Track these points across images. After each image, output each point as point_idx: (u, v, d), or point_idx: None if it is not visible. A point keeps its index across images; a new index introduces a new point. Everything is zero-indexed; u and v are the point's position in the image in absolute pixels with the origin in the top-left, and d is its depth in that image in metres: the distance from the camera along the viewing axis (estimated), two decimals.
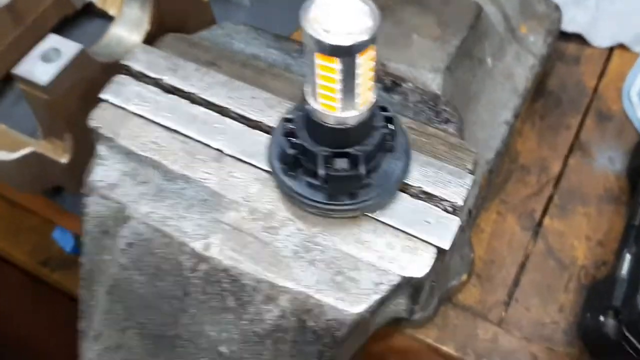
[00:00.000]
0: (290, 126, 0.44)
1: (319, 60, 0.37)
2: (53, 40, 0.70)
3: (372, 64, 0.38)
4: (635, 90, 0.89)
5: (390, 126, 0.44)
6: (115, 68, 0.75)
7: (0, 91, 0.88)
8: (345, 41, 0.36)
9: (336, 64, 0.37)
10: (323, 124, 0.41)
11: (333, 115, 0.41)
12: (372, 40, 0.36)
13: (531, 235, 0.79)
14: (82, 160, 0.77)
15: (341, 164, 0.42)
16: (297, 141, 0.43)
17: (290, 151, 0.43)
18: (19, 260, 1.48)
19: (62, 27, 0.92)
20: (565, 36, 0.92)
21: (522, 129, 0.86)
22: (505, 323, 0.73)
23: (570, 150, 0.85)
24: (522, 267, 0.77)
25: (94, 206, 0.47)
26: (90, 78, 0.73)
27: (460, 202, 0.46)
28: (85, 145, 0.76)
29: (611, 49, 0.93)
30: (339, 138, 0.42)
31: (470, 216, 0.69)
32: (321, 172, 0.42)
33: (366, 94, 0.40)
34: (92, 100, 0.75)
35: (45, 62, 0.69)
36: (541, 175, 0.83)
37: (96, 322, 0.48)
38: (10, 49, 0.86)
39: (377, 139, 0.44)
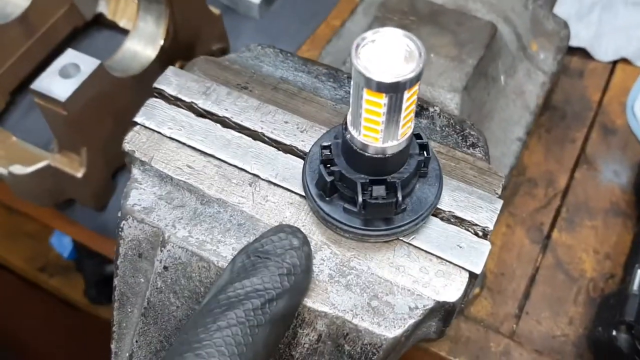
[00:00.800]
0: (327, 153, 0.45)
1: (367, 95, 0.38)
2: (71, 55, 0.70)
3: (416, 97, 0.39)
4: (639, 105, 0.90)
5: (425, 153, 0.45)
6: (129, 82, 0.76)
7: (11, 102, 0.88)
8: (394, 79, 0.36)
9: (383, 99, 0.38)
10: (363, 153, 0.42)
11: (374, 145, 0.41)
12: (418, 78, 0.37)
13: (540, 248, 0.80)
14: (97, 174, 0.77)
15: (379, 191, 0.43)
16: (335, 168, 0.44)
17: (328, 178, 0.44)
18: (17, 266, 1.48)
19: (73, 39, 0.92)
20: (569, 50, 0.94)
21: (529, 142, 0.88)
22: (517, 336, 0.74)
23: (576, 163, 0.87)
24: (532, 280, 0.78)
25: (129, 229, 0.47)
26: (106, 92, 0.73)
27: (490, 227, 0.47)
28: (100, 159, 0.77)
29: (614, 63, 0.95)
30: (378, 166, 0.43)
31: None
32: (359, 199, 0.43)
33: (407, 125, 0.41)
34: (107, 114, 0.75)
35: (63, 78, 0.69)
36: (548, 188, 0.85)
37: (129, 343, 0.49)
38: (21, 60, 0.86)
39: (413, 166, 0.45)
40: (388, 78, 0.37)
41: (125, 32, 0.87)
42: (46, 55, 0.88)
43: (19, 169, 0.75)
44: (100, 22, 0.95)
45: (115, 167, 0.82)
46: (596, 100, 0.92)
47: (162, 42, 0.80)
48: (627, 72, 0.94)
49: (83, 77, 0.69)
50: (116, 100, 0.75)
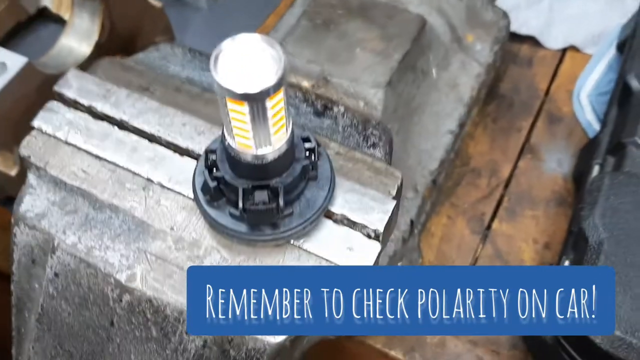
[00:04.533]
0: (212, 158, 0.44)
1: (230, 104, 0.38)
2: None
3: (283, 104, 0.39)
4: (586, 92, 0.90)
5: (313, 157, 0.45)
6: None
7: None
8: (253, 88, 0.36)
9: (245, 107, 0.37)
10: (241, 159, 0.42)
11: (249, 152, 0.41)
12: (279, 85, 0.37)
13: (480, 238, 0.80)
14: None
15: (261, 196, 0.43)
16: (219, 174, 0.44)
17: (212, 183, 0.44)
18: None
19: (16, 33, 0.92)
20: (519, 38, 0.93)
21: (474, 132, 0.87)
22: None
23: (521, 152, 0.87)
24: None
25: (22, 236, 0.47)
26: (37, 89, 0.73)
27: (381, 229, 0.47)
28: None
29: (563, 51, 0.94)
30: (258, 172, 0.43)
31: (413, 226, 0.70)
32: (240, 205, 0.43)
33: (280, 131, 0.41)
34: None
35: None
36: (491, 178, 0.85)
37: (26, 349, 0.49)
38: None
39: (298, 170, 0.44)
40: (246, 88, 0.36)
41: None
42: None
43: None
44: (44, 15, 0.94)
45: None
46: (544, 89, 0.91)
47: (97, 38, 0.79)
48: (576, 60, 0.93)
49: (9, 75, 0.69)
50: (49, 97, 0.74)
